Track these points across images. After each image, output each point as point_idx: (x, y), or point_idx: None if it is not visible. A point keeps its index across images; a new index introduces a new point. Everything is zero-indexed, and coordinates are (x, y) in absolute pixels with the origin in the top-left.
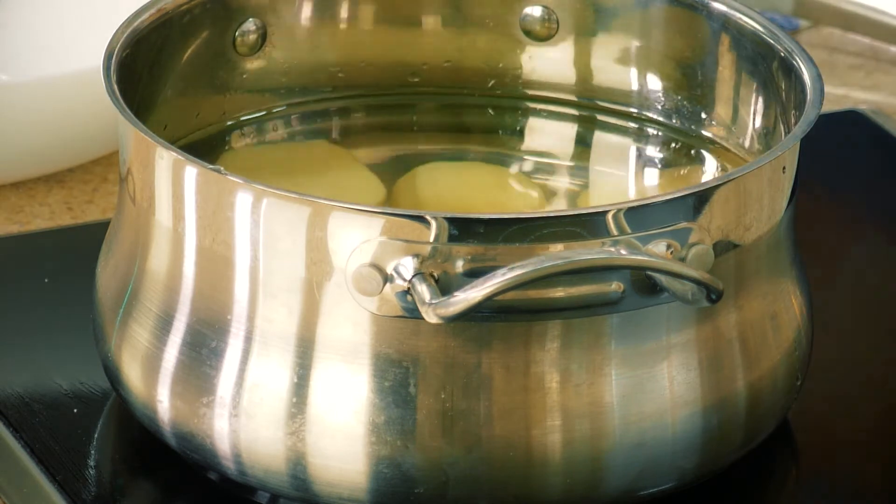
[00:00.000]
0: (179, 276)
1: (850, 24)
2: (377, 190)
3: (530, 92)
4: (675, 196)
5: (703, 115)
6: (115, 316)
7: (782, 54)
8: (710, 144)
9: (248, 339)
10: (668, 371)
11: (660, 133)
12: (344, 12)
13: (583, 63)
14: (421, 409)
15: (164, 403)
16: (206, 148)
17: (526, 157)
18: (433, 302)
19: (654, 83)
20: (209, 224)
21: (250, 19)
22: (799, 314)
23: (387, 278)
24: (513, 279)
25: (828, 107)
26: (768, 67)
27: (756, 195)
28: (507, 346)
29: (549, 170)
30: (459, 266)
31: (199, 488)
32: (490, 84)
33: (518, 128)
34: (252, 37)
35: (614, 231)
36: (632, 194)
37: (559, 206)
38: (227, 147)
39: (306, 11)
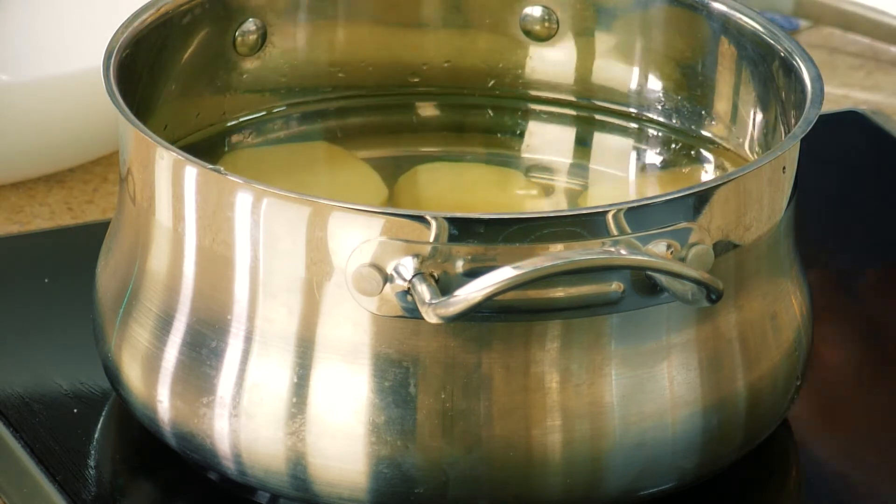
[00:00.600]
0: (179, 276)
1: (850, 24)
2: (378, 189)
3: (530, 92)
4: (675, 196)
5: (703, 115)
6: (115, 316)
7: (782, 54)
8: (710, 144)
9: (248, 339)
10: (668, 371)
11: (660, 133)
12: (344, 13)
13: (583, 63)
14: (421, 409)
15: (164, 403)
16: (206, 148)
17: (526, 157)
18: (433, 302)
19: (654, 83)
20: (209, 224)
21: (250, 19)
22: (799, 314)
23: (387, 278)
24: (513, 279)
25: (828, 107)
26: (768, 67)
27: (756, 195)
28: (507, 346)
29: (549, 170)
30: (459, 266)
31: (199, 488)
32: (490, 84)
33: (518, 128)
34: (252, 37)
35: (614, 231)
36: (632, 194)
37: (559, 207)
38: (227, 147)
39: (306, 11)
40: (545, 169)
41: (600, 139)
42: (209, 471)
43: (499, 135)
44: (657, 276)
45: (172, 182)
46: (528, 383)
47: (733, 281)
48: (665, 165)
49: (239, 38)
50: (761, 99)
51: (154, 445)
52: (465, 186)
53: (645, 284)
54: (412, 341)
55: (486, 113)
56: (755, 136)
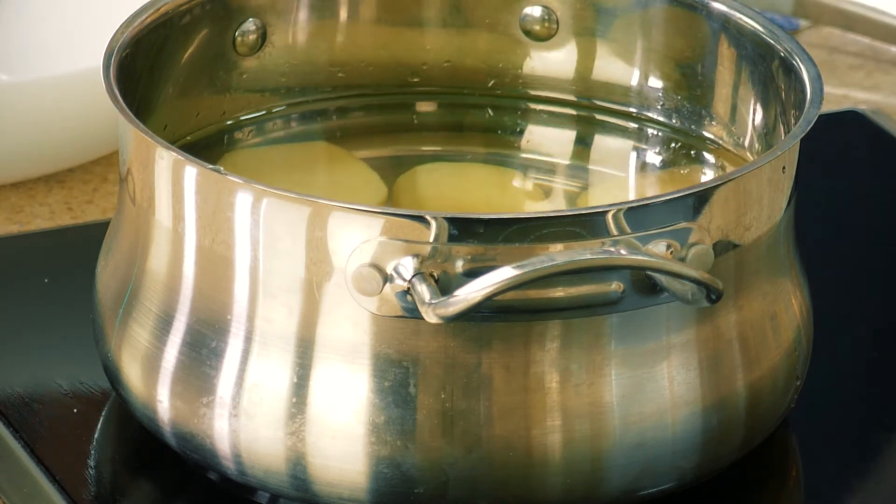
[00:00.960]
0: (179, 276)
1: (850, 24)
2: (378, 189)
3: (530, 92)
4: (675, 196)
5: (703, 115)
6: (115, 316)
7: (782, 54)
8: (710, 144)
9: (248, 339)
10: (668, 371)
11: (660, 133)
12: (344, 12)
13: (583, 63)
14: (421, 409)
15: (164, 403)
16: (206, 148)
17: (526, 157)
18: (433, 302)
19: (654, 83)
20: (209, 224)
21: (250, 19)
22: (799, 314)
23: (387, 278)
24: (513, 279)
25: (828, 107)
26: (768, 67)
27: (756, 195)
28: (507, 346)
29: (549, 170)
30: (459, 266)
31: (199, 488)
32: (490, 84)
33: (518, 128)
34: (252, 37)
35: (614, 231)
36: (632, 194)
37: (559, 207)
38: (227, 147)
39: (306, 11)
40: (545, 169)
41: (600, 139)
42: (209, 471)
43: (499, 134)
44: (657, 276)
45: (172, 182)
46: (528, 383)
47: (733, 281)
48: (665, 165)
49: (239, 38)
50: (761, 99)
51: (154, 445)
52: (465, 186)
53: (645, 284)
54: (412, 341)
55: (485, 113)
56: (755, 136)
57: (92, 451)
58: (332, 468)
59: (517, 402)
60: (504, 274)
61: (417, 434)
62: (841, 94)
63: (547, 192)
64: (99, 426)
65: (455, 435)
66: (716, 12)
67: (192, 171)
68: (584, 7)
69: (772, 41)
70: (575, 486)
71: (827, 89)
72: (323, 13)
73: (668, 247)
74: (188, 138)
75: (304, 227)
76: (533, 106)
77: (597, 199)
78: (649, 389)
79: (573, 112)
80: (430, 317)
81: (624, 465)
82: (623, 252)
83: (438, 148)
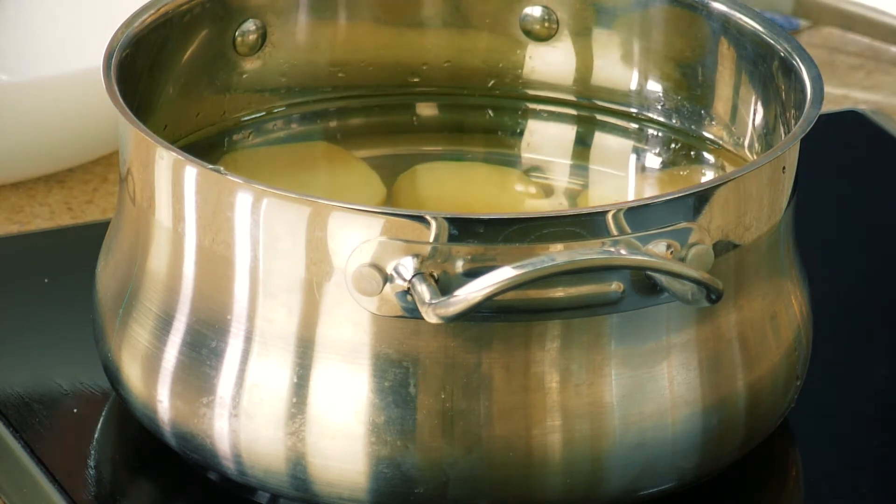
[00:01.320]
0: (179, 276)
1: (850, 24)
2: (378, 189)
3: (530, 92)
4: (675, 196)
5: (703, 115)
6: (115, 316)
7: (782, 54)
8: (710, 144)
9: (248, 339)
10: (668, 371)
11: (660, 133)
12: (344, 12)
13: (583, 63)
14: (421, 409)
15: (164, 403)
16: (206, 148)
17: (526, 157)
18: (433, 302)
19: (654, 83)
20: (209, 224)
21: (250, 19)
22: (799, 314)
23: (387, 278)
24: (513, 279)
25: (828, 107)
26: (768, 67)
27: (756, 195)
28: (507, 346)
29: (549, 170)
30: (459, 266)
31: (199, 488)
32: (490, 84)
33: (518, 128)
34: (252, 37)
35: (614, 231)
36: (632, 194)
37: (559, 207)
38: (227, 147)
39: (306, 12)
40: (545, 169)
41: (600, 139)
42: (209, 471)
43: (499, 134)
44: (657, 276)
45: (172, 182)
46: (528, 383)
47: (733, 281)
48: (665, 165)
49: (239, 38)
50: (761, 99)
51: (154, 445)
52: (465, 186)
53: (645, 284)
54: (412, 341)
55: (485, 113)
56: (755, 137)
57: (92, 451)
58: (332, 468)
59: (517, 402)
60: (504, 274)
61: (417, 434)
62: (841, 94)
63: (547, 192)
64: (99, 426)
65: (455, 435)
66: (716, 12)
67: (192, 171)
68: (584, 7)
69: (772, 41)
70: (575, 486)
71: (827, 89)
72: (323, 13)
73: (668, 247)
74: (188, 138)
75: (304, 227)
76: (533, 106)
77: (597, 199)
78: (649, 389)
79: (573, 112)
80: (430, 317)
81: (624, 465)
82: (623, 252)
83: (438, 148)
